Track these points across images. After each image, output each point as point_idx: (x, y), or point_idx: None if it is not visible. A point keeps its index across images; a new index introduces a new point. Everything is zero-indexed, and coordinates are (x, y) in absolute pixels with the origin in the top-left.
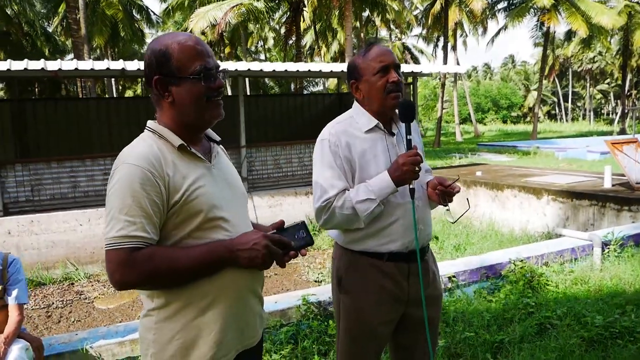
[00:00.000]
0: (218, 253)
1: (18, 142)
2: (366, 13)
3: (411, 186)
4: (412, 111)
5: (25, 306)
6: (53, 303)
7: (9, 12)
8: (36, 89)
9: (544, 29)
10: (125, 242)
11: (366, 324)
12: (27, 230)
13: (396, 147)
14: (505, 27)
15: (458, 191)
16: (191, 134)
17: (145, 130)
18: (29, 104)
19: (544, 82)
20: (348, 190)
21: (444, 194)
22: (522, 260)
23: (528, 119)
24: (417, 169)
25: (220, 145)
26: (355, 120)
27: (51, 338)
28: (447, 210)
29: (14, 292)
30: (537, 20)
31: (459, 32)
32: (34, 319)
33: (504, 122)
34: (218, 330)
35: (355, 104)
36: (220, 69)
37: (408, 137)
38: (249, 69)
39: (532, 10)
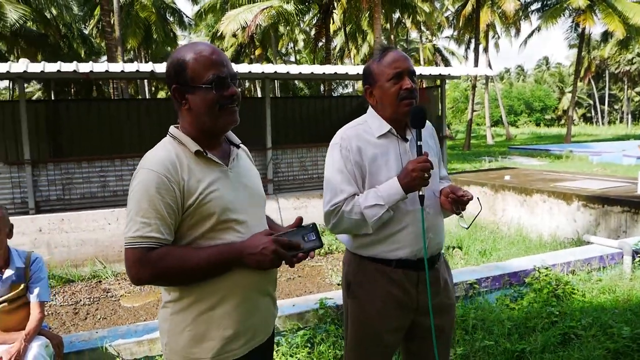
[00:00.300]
0: (227, 255)
1: (52, 142)
2: (397, 15)
3: (421, 193)
4: (423, 117)
5: (53, 302)
6: (81, 300)
7: (47, 15)
8: (72, 90)
9: (579, 30)
10: (141, 242)
11: (372, 328)
12: (58, 228)
13: (409, 153)
14: (539, 29)
15: (471, 199)
16: (208, 139)
17: (167, 135)
18: (63, 104)
19: (579, 84)
20: (358, 195)
21: (456, 202)
22: (547, 268)
23: (562, 122)
24: (426, 175)
25: (244, 147)
26: (369, 125)
27: (72, 336)
28: (461, 217)
29: (36, 290)
30: (572, 22)
31: (491, 33)
32: (62, 315)
33: (537, 125)
34: (227, 326)
35: (370, 109)
36: (237, 77)
37: (418, 144)
38: (275, 72)
39: (566, 11)
